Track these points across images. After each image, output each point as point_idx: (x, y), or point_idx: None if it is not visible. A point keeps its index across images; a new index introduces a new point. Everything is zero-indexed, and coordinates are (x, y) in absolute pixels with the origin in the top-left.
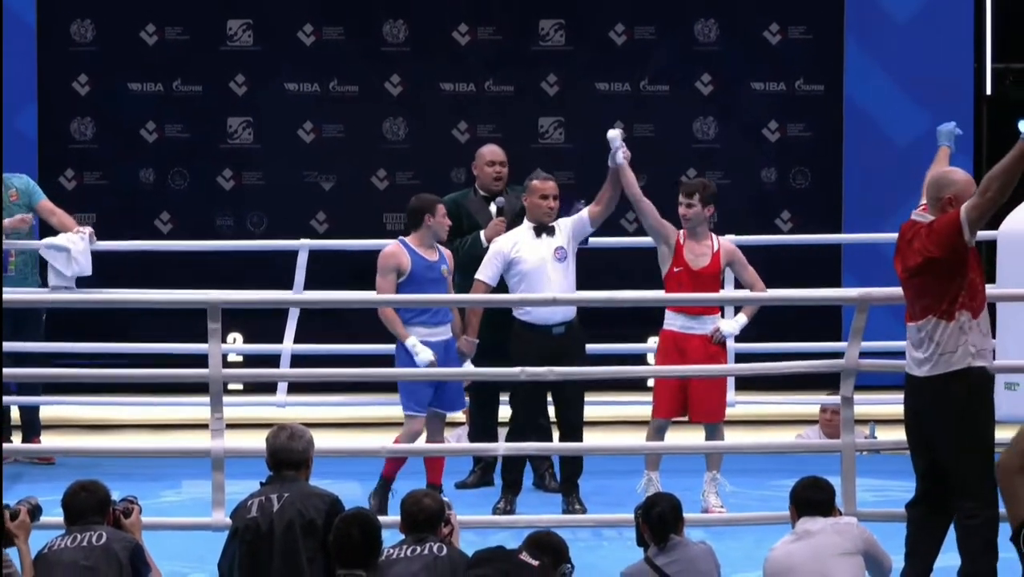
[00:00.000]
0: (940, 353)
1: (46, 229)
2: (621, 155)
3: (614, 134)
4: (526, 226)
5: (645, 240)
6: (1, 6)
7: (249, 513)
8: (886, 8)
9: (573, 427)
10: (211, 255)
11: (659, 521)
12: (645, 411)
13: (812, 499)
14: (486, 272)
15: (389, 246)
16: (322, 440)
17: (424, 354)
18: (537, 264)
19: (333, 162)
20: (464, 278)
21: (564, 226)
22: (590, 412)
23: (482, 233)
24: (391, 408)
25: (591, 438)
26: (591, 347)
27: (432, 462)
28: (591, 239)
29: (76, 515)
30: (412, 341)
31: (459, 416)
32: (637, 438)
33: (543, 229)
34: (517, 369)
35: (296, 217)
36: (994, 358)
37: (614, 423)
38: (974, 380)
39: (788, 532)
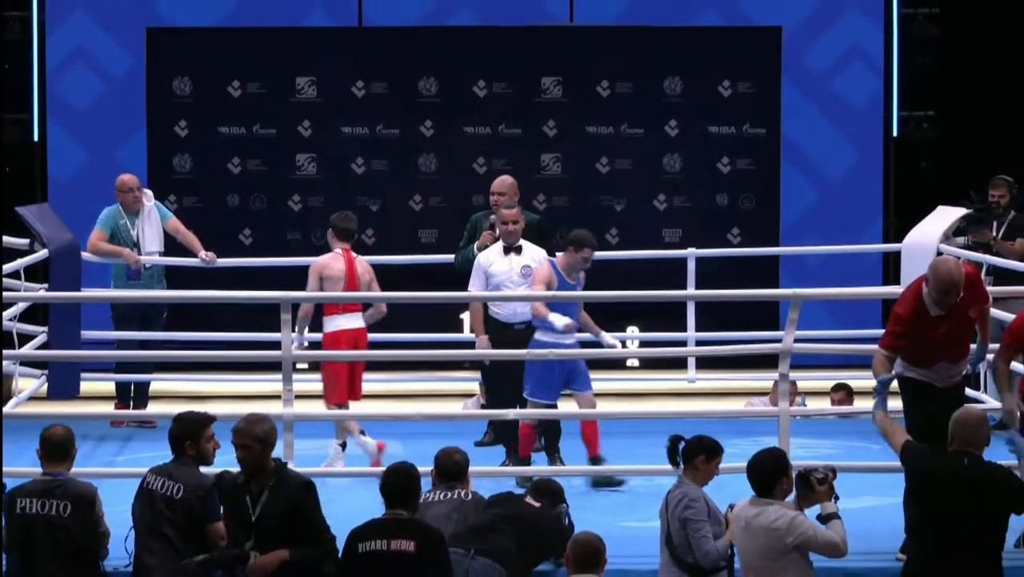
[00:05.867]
0: None
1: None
2: (562, 325)
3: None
4: (499, 245)
5: (626, 253)
6: None
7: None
8: (815, 67)
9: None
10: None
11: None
12: (619, 385)
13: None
14: (474, 284)
15: (546, 265)
16: (371, 408)
17: (560, 320)
18: (504, 276)
19: (379, 189)
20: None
21: (535, 255)
22: None
23: (474, 245)
24: (429, 383)
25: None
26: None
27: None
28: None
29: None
30: (554, 317)
31: (474, 387)
32: (614, 407)
33: (511, 249)
34: (524, 351)
35: None
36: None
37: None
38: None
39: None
